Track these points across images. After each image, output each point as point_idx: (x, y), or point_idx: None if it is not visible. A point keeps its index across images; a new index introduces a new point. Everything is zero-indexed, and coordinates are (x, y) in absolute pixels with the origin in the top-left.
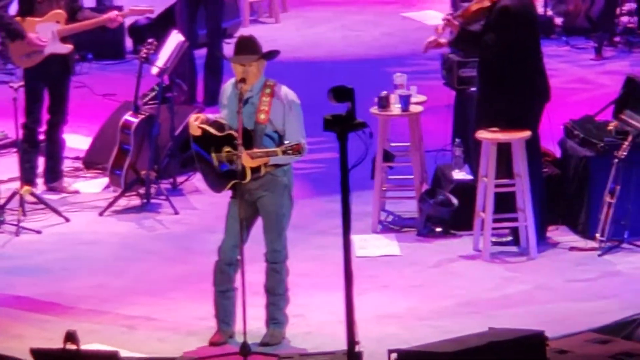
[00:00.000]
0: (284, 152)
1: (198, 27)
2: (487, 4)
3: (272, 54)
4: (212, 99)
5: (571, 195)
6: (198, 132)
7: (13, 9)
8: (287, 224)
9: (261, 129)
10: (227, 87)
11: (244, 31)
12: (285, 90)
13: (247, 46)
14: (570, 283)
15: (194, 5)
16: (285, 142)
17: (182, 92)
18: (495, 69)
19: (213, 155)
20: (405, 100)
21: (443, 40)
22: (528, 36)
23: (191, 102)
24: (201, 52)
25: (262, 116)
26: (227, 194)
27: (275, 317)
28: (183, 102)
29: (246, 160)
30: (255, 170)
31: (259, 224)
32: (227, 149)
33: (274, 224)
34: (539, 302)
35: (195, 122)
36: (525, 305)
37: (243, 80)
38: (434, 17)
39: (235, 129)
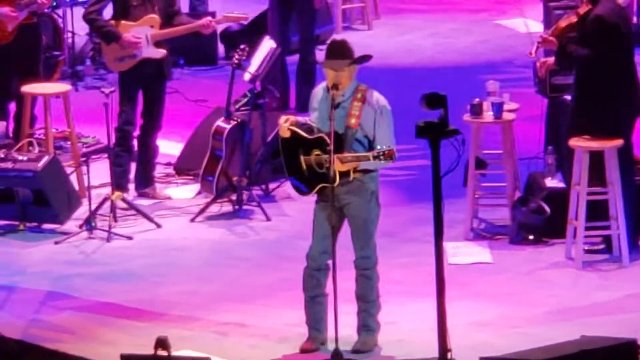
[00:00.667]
0: (375, 157)
1: (290, 34)
2: (574, 19)
3: (364, 59)
4: (304, 106)
5: None
6: (287, 134)
7: (107, 13)
8: (375, 229)
9: (352, 134)
10: (318, 90)
11: (336, 37)
12: (376, 96)
13: (340, 51)
14: None
15: (287, 12)
16: (377, 147)
17: (274, 99)
18: (590, 78)
19: (301, 158)
20: (497, 108)
21: (550, 60)
22: (622, 46)
23: (283, 109)
24: (294, 59)
25: (353, 120)
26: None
27: (367, 323)
28: (275, 109)
29: (337, 164)
30: (344, 174)
31: (345, 230)
32: (316, 152)
33: (362, 229)
34: (632, 310)
35: (285, 123)
36: (617, 314)
37: (335, 87)
38: (526, 25)
39: (325, 132)
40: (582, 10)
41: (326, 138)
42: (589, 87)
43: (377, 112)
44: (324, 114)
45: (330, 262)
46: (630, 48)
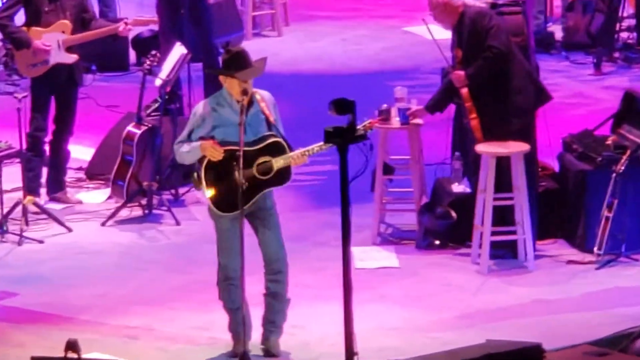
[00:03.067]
0: (314, 151)
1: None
2: (449, 28)
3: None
4: None
5: (569, 209)
6: (221, 155)
7: (20, 19)
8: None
9: (276, 129)
10: (208, 106)
11: (246, 44)
12: (263, 92)
13: (248, 59)
14: (568, 296)
15: (174, 15)
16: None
17: (182, 103)
18: (485, 79)
19: (237, 173)
20: (404, 114)
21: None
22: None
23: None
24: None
25: (271, 118)
26: None
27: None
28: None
29: (301, 158)
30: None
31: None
32: (262, 160)
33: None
34: (537, 314)
35: (214, 146)
36: (522, 318)
37: (245, 93)
38: (435, 31)
39: (255, 139)
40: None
41: (280, 141)
42: (484, 87)
43: (273, 108)
44: (234, 127)
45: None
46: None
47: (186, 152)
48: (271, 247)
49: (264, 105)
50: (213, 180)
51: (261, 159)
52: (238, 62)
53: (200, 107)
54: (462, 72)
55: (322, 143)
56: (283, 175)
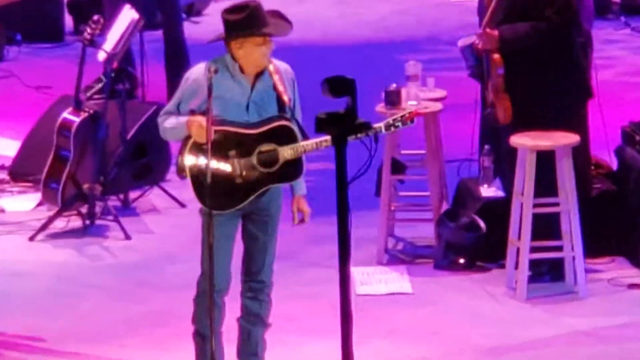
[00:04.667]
0: (389, 127)
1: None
2: None
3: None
4: None
5: (630, 218)
6: (212, 136)
7: None
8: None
9: (290, 112)
10: (201, 71)
11: (216, 7)
12: (284, 66)
13: (265, 16)
14: (629, 329)
15: None
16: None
17: (136, 84)
18: (537, 57)
19: (234, 161)
20: (470, 51)
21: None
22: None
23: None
24: (160, 34)
25: (286, 97)
26: (194, 212)
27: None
28: (136, 97)
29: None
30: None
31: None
32: (265, 147)
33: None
34: (588, 353)
35: (204, 122)
36: (571, 357)
37: (268, 62)
38: None
39: (247, 123)
40: None
41: (289, 125)
42: (534, 67)
43: (291, 86)
44: (234, 103)
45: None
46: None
47: (170, 127)
48: (259, 256)
49: (277, 79)
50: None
51: (264, 147)
52: (257, 21)
53: (194, 71)
54: (494, 32)
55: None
56: (291, 170)
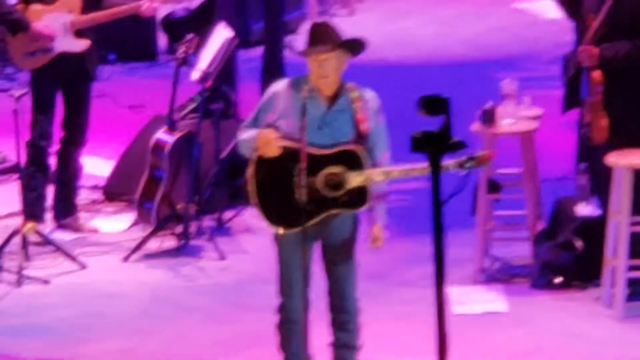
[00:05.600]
0: (462, 165)
1: (251, 20)
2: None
3: (356, 45)
4: None
5: None
6: (276, 152)
7: None
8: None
9: (365, 141)
10: (282, 89)
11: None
12: (369, 92)
13: (324, 35)
14: None
15: None
16: (377, 160)
17: (230, 103)
18: (636, 75)
19: (303, 180)
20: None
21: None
22: None
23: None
24: (255, 53)
25: (364, 125)
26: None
27: None
28: (231, 116)
29: (378, 175)
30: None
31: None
32: (333, 170)
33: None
34: None
35: (273, 138)
36: None
37: (323, 76)
38: (553, 9)
39: (314, 145)
40: None
41: (357, 152)
42: (629, 87)
43: (373, 115)
44: (315, 121)
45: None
46: None
47: (243, 140)
48: (339, 287)
49: (358, 106)
50: (263, 184)
51: (332, 169)
52: (312, 37)
53: (274, 85)
54: (595, 49)
55: (417, 165)
56: (358, 198)
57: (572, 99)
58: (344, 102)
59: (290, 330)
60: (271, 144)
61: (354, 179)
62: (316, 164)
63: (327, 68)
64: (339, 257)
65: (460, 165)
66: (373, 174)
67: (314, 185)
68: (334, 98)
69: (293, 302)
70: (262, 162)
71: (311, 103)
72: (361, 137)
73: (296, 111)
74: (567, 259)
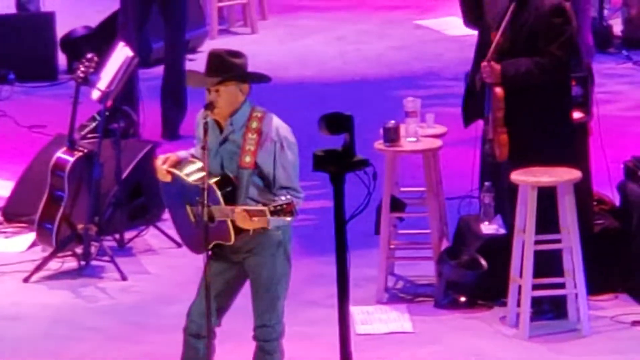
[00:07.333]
0: (273, 213)
1: (151, 38)
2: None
3: (249, 78)
4: (172, 133)
5: (635, 254)
6: (168, 178)
7: None
8: (283, 291)
9: (247, 176)
10: (201, 113)
11: (211, 44)
12: (276, 124)
13: (215, 64)
14: None
15: (145, 6)
16: (276, 195)
17: (131, 123)
18: (537, 91)
19: (187, 208)
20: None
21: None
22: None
23: (135, 137)
24: (155, 71)
25: (248, 159)
26: (189, 252)
27: None
28: (132, 135)
29: (242, 219)
30: (241, 230)
31: (245, 292)
32: (201, 200)
33: (264, 291)
34: None
35: (164, 165)
36: None
37: (211, 106)
38: (456, 26)
39: (214, 172)
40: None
41: (212, 186)
42: (536, 102)
43: (278, 146)
44: (213, 147)
45: (217, 329)
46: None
47: None
48: (259, 306)
49: (253, 138)
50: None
51: (201, 199)
52: (207, 66)
53: (201, 112)
54: (497, 66)
55: (281, 201)
56: (222, 232)
57: (471, 112)
58: (236, 132)
59: (187, 341)
60: (159, 171)
61: (216, 213)
62: (191, 193)
63: (217, 98)
64: (258, 276)
65: (272, 212)
66: (230, 210)
67: (196, 212)
68: (229, 124)
69: (194, 311)
70: (166, 186)
71: (212, 129)
72: (242, 172)
73: (201, 136)
74: (472, 277)
